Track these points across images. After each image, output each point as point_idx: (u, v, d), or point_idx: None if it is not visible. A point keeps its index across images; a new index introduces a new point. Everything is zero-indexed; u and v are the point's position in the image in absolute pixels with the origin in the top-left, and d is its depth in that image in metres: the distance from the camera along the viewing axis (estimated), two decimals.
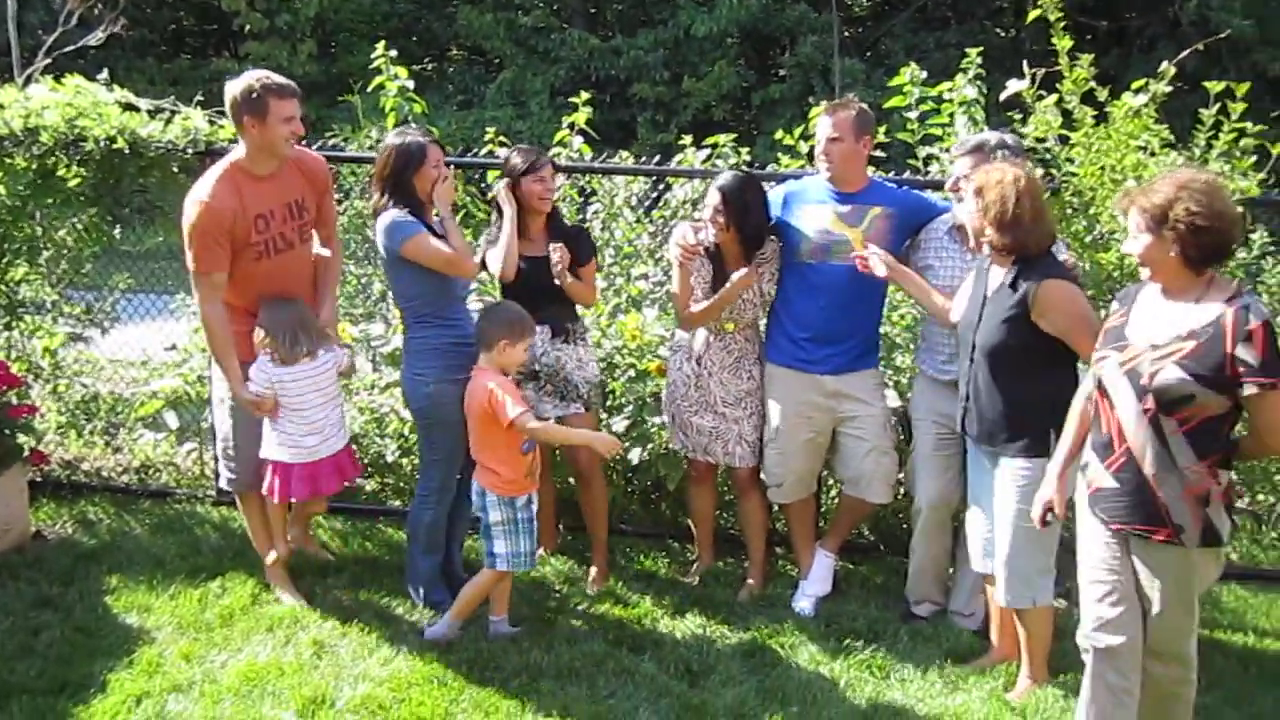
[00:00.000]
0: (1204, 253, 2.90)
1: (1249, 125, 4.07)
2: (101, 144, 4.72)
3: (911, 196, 4.30)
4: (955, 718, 3.56)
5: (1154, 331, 2.98)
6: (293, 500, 4.11)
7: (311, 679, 3.59)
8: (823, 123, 4.09)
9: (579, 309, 4.46)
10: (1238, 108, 4.04)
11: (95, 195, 4.90)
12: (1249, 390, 2.82)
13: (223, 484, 4.32)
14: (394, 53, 4.88)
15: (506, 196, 4.18)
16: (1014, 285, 3.45)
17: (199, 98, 5.07)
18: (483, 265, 4.30)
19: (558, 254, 4.19)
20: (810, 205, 4.17)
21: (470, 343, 3.99)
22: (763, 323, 4.39)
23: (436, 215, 4.01)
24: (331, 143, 5.46)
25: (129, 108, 4.94)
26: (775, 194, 4.32)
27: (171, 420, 5.23)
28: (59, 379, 5.54)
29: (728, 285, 4.13)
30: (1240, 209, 3.08)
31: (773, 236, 4.23)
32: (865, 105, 4.13)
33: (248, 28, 17.46)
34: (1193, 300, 2.95)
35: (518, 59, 17.61)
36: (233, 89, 3.88)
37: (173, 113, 4.93)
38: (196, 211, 3.86)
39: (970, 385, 3.63)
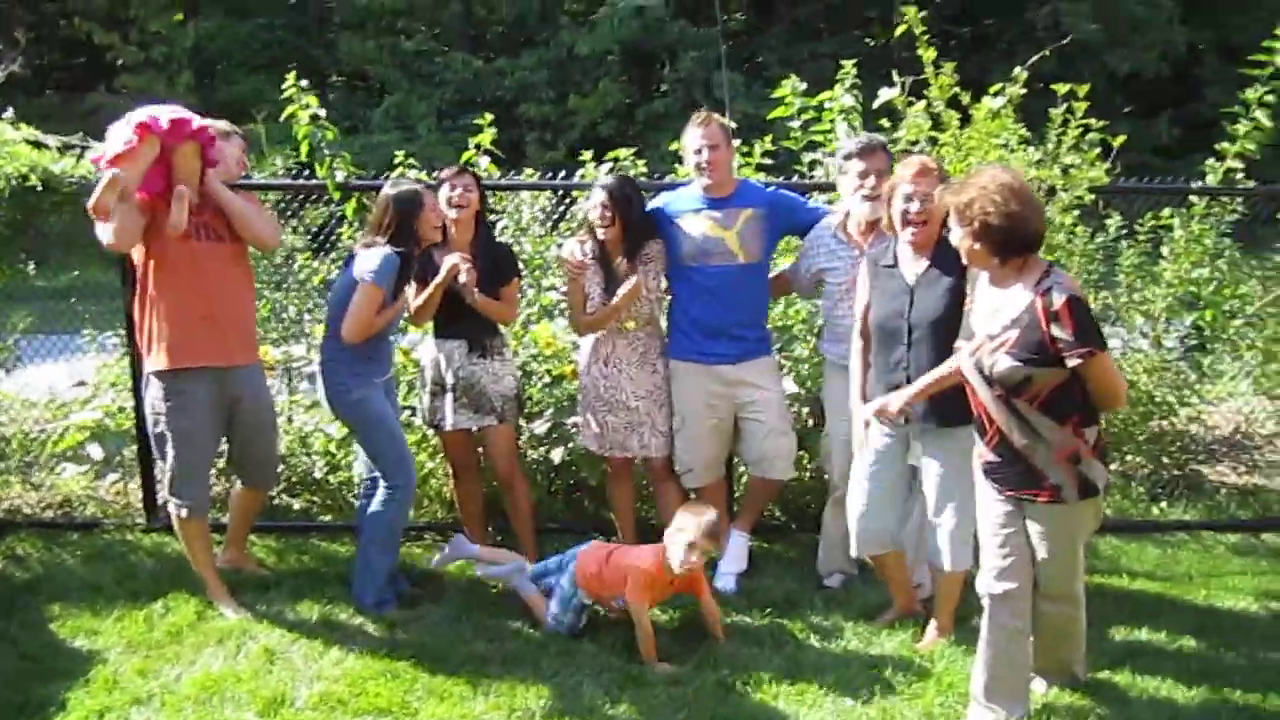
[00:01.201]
0: (1002, 247, 3.23)
1: (1093, 122, 4.56)
2: (13, 182, 4.78)
3: (780, 195, 4.64)
4: (873, 667, 3.90)
5: (988, 322, 3.33)
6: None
7: (268, 682, 3.73)
8: (695, 135, 4.41)
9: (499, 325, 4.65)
10: (1081, 106, 4.53)
11: (10, 234, 4.94)
12: (1072, 363, 3.17)
13: (173, 512, 4.33)
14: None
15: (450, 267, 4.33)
16: (940, 263, 3.74)
17: (79, 134, 5.12)
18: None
19: (464, 276, 4.34)
20: (685, 215, 4.49)
21: (379, 356, 4.24)
22: (662, 319, 4.68)
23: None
24: None
25: (36, 145, 5.00)
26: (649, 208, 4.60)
27: (96, 452, 5.27)
28: None
29: (617, 296, 4.40)
30: (1042, 205, 3.37)
31: (655, 238, 4.51)
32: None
33: (120, 61, 17.16)
34: (1007, 288, 3.30)
35: (402, 84, 17.71)
36: None
37: (83, 149, 5.01)
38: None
39: (909, 370, 3.80)
